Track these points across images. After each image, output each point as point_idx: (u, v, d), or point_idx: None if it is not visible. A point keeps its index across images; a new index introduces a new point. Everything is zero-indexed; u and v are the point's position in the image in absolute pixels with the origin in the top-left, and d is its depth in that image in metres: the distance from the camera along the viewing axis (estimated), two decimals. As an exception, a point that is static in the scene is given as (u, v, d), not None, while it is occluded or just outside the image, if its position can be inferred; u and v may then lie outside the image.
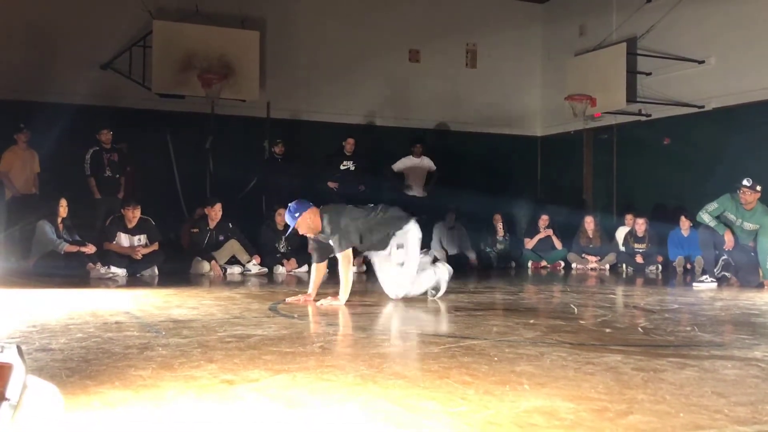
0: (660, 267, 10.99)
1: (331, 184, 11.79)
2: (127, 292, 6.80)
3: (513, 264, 11.86)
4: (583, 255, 11.64)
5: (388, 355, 3.37)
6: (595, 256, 11.56)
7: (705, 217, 8.25)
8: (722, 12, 11.79)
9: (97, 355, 3.30)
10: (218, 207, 9.86)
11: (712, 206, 8.24)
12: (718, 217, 8.21)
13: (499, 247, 11.98)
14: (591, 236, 11.78)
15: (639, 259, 11.10)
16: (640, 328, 4.37)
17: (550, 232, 12.02)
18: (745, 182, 8.03)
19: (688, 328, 4.41)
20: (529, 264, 11.77)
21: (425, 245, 10.22)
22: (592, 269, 11.41)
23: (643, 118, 12.89)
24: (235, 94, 11.79)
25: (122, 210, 9.04)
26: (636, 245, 11.27)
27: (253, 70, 11.97)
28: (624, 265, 11.25)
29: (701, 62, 12.09)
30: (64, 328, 4.17)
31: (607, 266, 11.46)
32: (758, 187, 8.06)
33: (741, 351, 3.57)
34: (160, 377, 2.82)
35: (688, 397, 2.56)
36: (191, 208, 11.32)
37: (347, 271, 5.62)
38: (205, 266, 9.41)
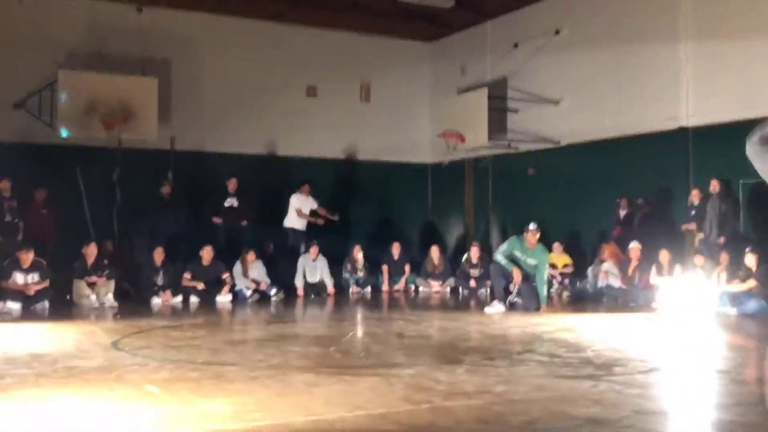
0: (488, 290, 12.99)
1: (216, 220, 13.51)
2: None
3: (369, 289, 13.67)
4: (428, 279, 13.61)
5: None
6: (438, 280, 13.54)
7: (499, 256, 10.30)
8: (575, 58, 13.78)
9: None
10: (92, 246, 11.11)
11: (503, 247, 10.32)
12: (509, 256, 10.27)
13: (360, 274, 13.76)
14: (436, 263, 13.75)
15: (472, 283, 13.10)
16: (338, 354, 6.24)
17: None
18: (531, 226, 10.11)
19: (386, 350, 6.32)
20: (384, 288, 13.63)
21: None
22: (436, 292, 13.37)
23: (512, 151, 14.92)
24: (136, 135, 13.34)
25: (17, 253, 10.57)
26: (471, 270, 13.28)
27: (151, 113, 13.58)
28: (461, 288, 13.25)
29: (556, 103, 14.20)
30: None
31: (448, 289, 13.46)
32: (539, 230, 10.17)
33: (395, 369, 5.45)
34: None
35: (286, 397, 4.44)
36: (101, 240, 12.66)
37: None
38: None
